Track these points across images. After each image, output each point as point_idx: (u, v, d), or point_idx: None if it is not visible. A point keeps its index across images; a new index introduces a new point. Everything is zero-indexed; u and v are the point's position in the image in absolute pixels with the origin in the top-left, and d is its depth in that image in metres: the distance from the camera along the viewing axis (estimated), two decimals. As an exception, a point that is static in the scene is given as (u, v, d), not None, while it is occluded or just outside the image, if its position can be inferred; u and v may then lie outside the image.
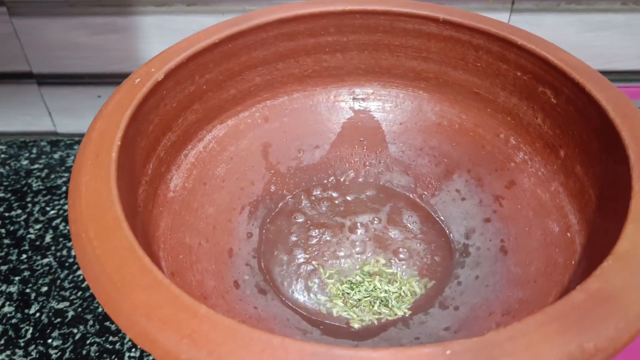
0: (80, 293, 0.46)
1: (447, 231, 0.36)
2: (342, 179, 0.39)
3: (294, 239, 0.35)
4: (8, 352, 0.42)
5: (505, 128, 0.36)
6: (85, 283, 0.46)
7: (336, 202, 0.38)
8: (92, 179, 0.26)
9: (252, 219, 0.36)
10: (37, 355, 0.42)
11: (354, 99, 0.40)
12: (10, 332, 0.43)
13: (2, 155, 0.57)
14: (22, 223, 0.51)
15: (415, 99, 0.39)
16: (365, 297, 0.32)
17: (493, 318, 0.29)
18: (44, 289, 0.46)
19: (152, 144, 0.32)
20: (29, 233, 0.50)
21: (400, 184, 0.39)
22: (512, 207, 0.34)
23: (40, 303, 0.45)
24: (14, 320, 0.44)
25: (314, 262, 0.34)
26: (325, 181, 0.39)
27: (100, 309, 0.44)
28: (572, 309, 0.20)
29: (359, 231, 0.36)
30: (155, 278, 0.22)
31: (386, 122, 0.40)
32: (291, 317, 0.31)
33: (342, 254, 0.35)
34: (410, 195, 0.38)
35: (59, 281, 0.47)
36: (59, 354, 0.42)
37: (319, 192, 0.38)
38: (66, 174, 0.55)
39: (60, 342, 0.43)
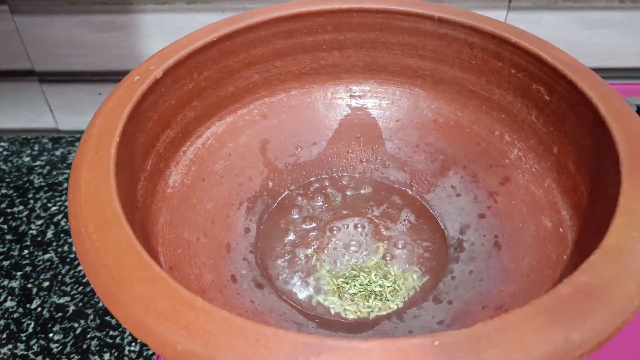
0: (81, 288, 0.46)
1: (442, 227, 0.36)
2: (339, 175, 0.40)
3: (290, 234, 0.36)
4: (10, 346, 0.42)
5: (500, 125, 0.36)
6: (86, 278, 0.47)
7: (333, 198, 0.38)
8: (91, 174, 0.26)
9: (249, 214, 0.36)
10: (39, 349, 0.42)
11: (351, 96, 0.40)
12: (12, 327, 0.44)
13: (4, 152, 0.58)
14: (24, 219, 0.52)
15: (411, 96, 0.40)
16: (360, 292, 0.33)
17: (486, 312, 0.30)
18: (46, 284, 0.47)
19: (151, 141, 0.32)
20: (30, 229, 0.51)
21: (396, 180, 0.39)
22: (506, 203, 0.35)
23: (42, 298, 0.46)
24: (15, 315, 0.45)
25: (310, 257, 0.35)
26: (322, 177, 0.39)
27: (100, 304, 0.45)
28: (559, 301, 0.21)
29: (355, 226, 0.36)
30: (153, 271, 0.23)
31: (383, 119, 0.40)
32: (287, 311, 0.31)
33: (338, 249, 0.35)
34: (407, 191, 0.39)
35: (60, 276, 0.47)
36: (60, 348, 0.42)
37: (315, 188, 0.39)
38: (67, 171, 0.56)
39: (61, 336, 0.43)
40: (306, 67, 0.39)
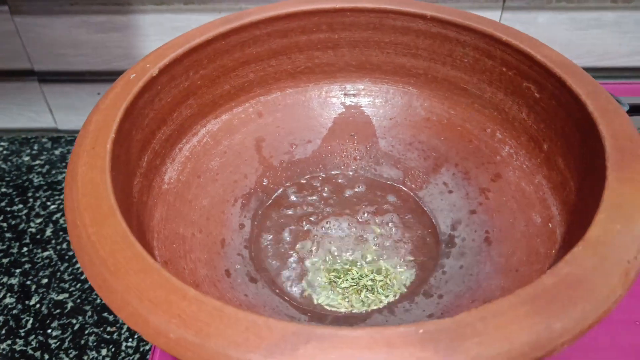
0: (79, 285, 0.47)
1: (434, 223, 0.37)
2: (333, 173, 0.40)
3: (284, 230, 0.36)
4: (9, 342, 0.43)
5: (492, 123, 0.37)
6: (84, 275, 0.47)
7: (327, 195, 0.39)
8: (88, 169, 0.27)
9: (244, 210, 0.37)
10: (37, 345, 0.43)
11: (345, 94, 0.41)
12: (11, 323, 0.44)
13: (4, 152, 0.59)
14: (24, 217, 0.52)
15: (405, 95, 0.40)
16: (352, 286, 0.33)
17: (475, 305, 0.30)
18: (44, 281, 0.47)
19: (148, 138, 0.33)
20: (30, 227, 0.51)
21: (389, 177, 0.40)
22: (497, 200, 0.35)
23: (41, 294, 0.46)
24: (14, 311, 0.45)
25: (303, 252, 0.35)
26: (317, 175, 0.40)
27: (98, 300, 0.46)
28: (542, 291, 0.21)
29: (348, 223, 0.37)
30: (147, 263, 0.23)
31: (376, 117, 0.41)
32: (280, 305, 0.32)
33: (331, 244, 0.36)
34: (400, 188, 0.39)
35: (58, 273, 0.48)
36: (58, 344, 0.43)
37: (310, 186, 0.39)
38: (66, 170, 0.57)
39: (60, 332, 0.44)
40: (301, 66, 0.40)
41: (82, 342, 0.43)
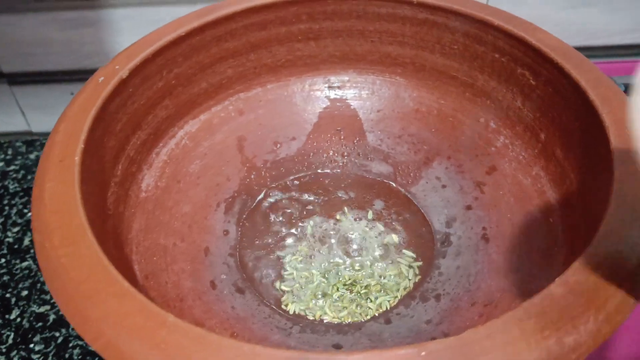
0: (61, 296, 0.45)
1: (428, 220, 0.35)
2: (319, 171, 0.38)
3: (272, 234, 0.35)
4: (-12, 360, 0.41)
5: (485, 112, 0.35)
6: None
7: (314, 195, 0.37)
8: (55, 185, 0.25)
9: (228, 215, 0.35)
10: (19, 361, 0.41)
11: (329, 87, 0.39)
12: (-10, 339, 0.42)
13: (-23, 157, 0.56)
14: (0, 226, 0.50)
15: (392, 85, 0.38)
16: (345, 292, 0.32)
17: (476, 309, 0.29)
18: (24, 292, 0.45)
19: (121, 144, 0.31)
20: (7, 236, 0.49)
21: (379, 173, 0.38)
22: (493, 194, 0.34)
23: (21, 307, 0.44)
24: (-6, 327, 0.43)
25: (291, 258, 0.34)
26: (303, 173, 0.38)
27: (81, 311, 0.44)
28: (551, 303, 0.20)
29: (338, 224, 0.35)
30: (122, 287, 0.21)
31: (363, 110, 0.39)
32: (270, 316, 0.30)
33: (321, 248, 0.34)
34: (390, 184, 0.37)
35: (39, 284, 0.46)
36: (41, 359, 0.41)
37: (296, 185, 0.37)
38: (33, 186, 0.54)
39: (43, 346, 0.42)
40: (282, 59, 0.38)
41: (67, 355, 0.42)
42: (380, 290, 0.32)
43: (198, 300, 0.30)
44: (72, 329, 0.43)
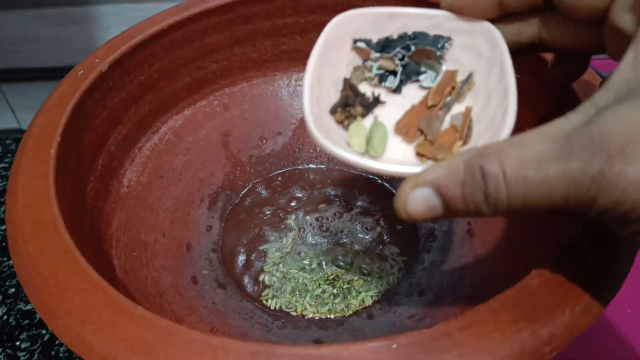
0: (47, 293, 0.45)
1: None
2: (305, 166, 0.38)
3: (255, 230, 0.34)
4: (-26, 358, 0.41)
5: (471, 106, 0.35)
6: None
7: (299, 190, 0.36)
8: (29, 178, 0.25)
9: (212, 211, 0.35)
10: (6, 359, 0.41)
11: (315, 82, 0.39)
12: (-25, 337, 0.42)
13: (-33, 156, 0.56)
14: (-13, 224, 0.50)
15: (378, 80, 0.38)
16: (328, 287, 0.31)
17: (459, 304, 0.28)
18: (12, 290, 0.45)
19: (101, 139, 0.31)
20: (-6, 234, 0.49)
21: (366, 168, 0.37)
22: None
23: (8, 305, 0.44)
24: (-21, 325, 0.43)
25: (277, 254, 0.33)
26: (289, 168, 0.38)
27: (68, 309, 0.43)
28: (526, 295, 0.19)
29: (323, 219, 0.35)
30: (92, 280, 0.21)
31: (350, 104, 0.38)
32: (252, 311, 0.30)
33: (305, 243, 0.34)
34: (376, 180, 0.37)
35: (26, 282, 0.45)
36: (27, 356, 0.41)
37: (281, 181, 0.37)
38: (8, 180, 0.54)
39: (29, 344, 0.42)
40: (267, 53, 0.37)
41: (53, 353, 0.41)
42: (363, 286, 0.31)
43: (178, 296, 0.29)
44: (58, 327, 0.42)
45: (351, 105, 0.23)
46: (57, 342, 0.42)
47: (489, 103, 0.22)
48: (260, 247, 0.33)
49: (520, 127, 0.31)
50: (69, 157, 0.27)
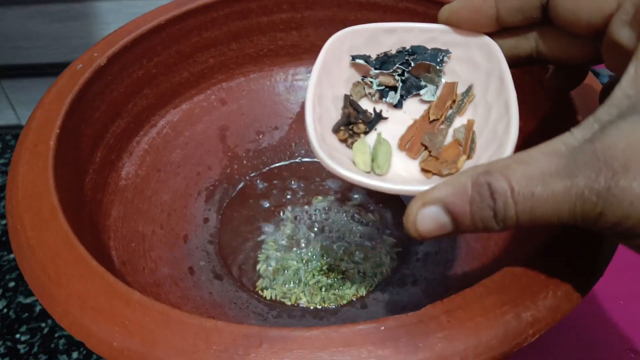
0: (48, 287, 0.45)
1: (406, 204, 0.35)
2: (302, 160, 0.38)
3: (252, 222, 0.35)
4: (-25, 349, 0.41)
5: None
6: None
7: (295, 183, 0.37)
8: (29, 169, 0.25)
9: (209, 204, 0.35)
10: (5, 351, 0.41)
11: (311, 77, 0.39)
12: (-24, 329, 0.43)
13: (-32, 152, 0.57)
14: (-12, 219, 0.50)
15: (373, 75, 0.39)
16: (323, 278, 0.32)
17: (451, 294, 0.29)
18: (12, 284, 0.46)
19: (100, 132, 0.31)
20: (-5, 229, 0.50)
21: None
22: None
23: (8, 298, 0.45)
24: (-20, 317, 0.43)
25: (273, 246, 0.34)
26: (285, 162, 0.38)
27: (68, 302, 0.44)
28: (511, 280, 0.20)
29: (319, 212, 0.35)
30: (89, 267, 0.22)
31: (345, 99, 0.39)
32: (247, 301, 0.30)
33: (300, 234, 0.34)
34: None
35: (26, 276, 0.46)
36: (27, 349, 0.41)
37: (277, 175, 0.37)
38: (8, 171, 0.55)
39: (28, 336, 0.42)
40: (264, 48, 0.38)
41: (52, 345, 0.42)
42: (357, 276, 0.32)
43: (175, 287, 0.30)
44: (59, 319, 0.43)
45: (354, 123, 0.24)
46: (56, 335, 0.42)
47: (489, 115, 0.23)
48: (257, 239, 0.34)
49: (520, 127, 0.32)
50: (67, 150, 0.28)
